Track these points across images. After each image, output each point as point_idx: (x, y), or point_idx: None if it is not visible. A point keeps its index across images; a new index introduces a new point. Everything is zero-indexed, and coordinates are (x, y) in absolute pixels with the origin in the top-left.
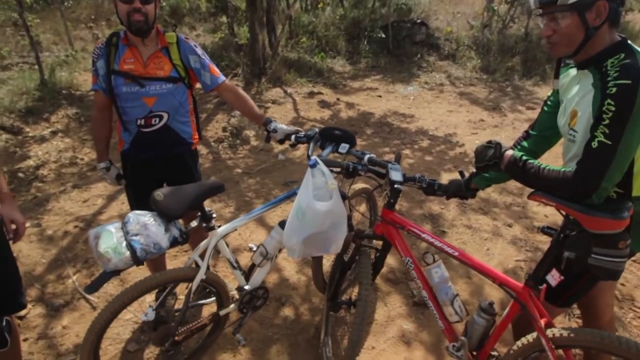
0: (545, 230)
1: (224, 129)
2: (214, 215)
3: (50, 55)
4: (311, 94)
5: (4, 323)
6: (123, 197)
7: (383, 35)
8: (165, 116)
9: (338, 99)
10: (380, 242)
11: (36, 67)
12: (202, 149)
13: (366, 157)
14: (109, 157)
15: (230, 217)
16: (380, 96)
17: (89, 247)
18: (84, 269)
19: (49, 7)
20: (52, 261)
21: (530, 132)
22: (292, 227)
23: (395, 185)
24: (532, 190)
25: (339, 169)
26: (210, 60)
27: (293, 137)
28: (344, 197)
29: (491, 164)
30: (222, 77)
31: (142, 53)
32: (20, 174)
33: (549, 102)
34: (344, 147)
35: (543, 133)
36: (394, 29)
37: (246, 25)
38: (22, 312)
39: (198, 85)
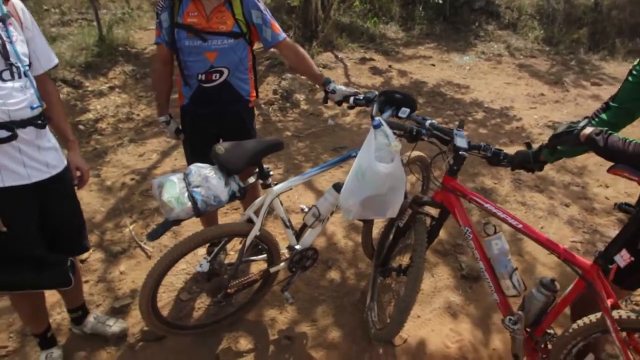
0: (623, 207)
1: (275, 92)
2: (272, 173)
3: (107, 12)
4: (363, 60)
5: (69, 263)
6: (176, 154)
7: (440, 1)
8: (226, 72)
9: (390, 66)
10: (437, 210)
11: (94, 23)
12: None
13: (427, 122)
14: (169, 112)
15: (279, 179)
16: (433, 65)
17: (152, 195)
18: (140, 220)
19: None
20: (110, 210)
21: (611, 104)
22: (350, 188)
23: (460, 152)
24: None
25: (401, 132)
26: (272, 16)
27: (352, 99)
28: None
29: (570, 137)
30: (283, 35)
31: (206, 6)
32: (81, 126)
33: (634, 72)
34: (404, 112)
35: (625, 105)
36: None
37: None
38: (84, 256)
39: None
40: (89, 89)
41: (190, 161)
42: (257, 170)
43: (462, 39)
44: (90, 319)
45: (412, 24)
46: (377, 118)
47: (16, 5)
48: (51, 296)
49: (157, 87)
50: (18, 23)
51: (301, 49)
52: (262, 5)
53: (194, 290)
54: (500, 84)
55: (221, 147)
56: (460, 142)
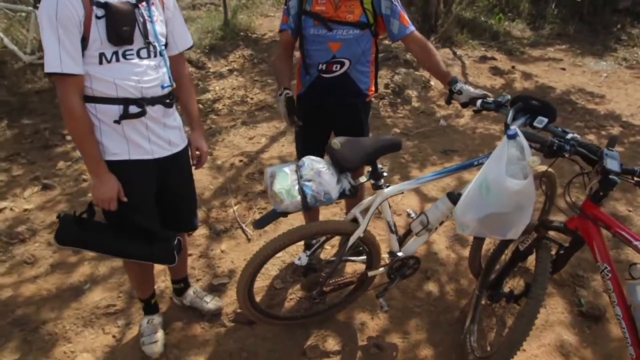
0: None
1: (386, 86)
2: (385, 174)
3: None
4: (483, 59)
5: (176, 242)
6: (283, 140)
7: None
8: (347, 63)
9: (513, 67)
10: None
11: (221, 8)
12: None
13: (569, 135)
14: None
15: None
16: (564, 69)
17: (257, 179)
18: (244, 202)
19: None
20: (218, 189)
21: None
22: (470, 201)
23: (611, 176)
24: None
25: (539, 145)
26: (402, 7)
27: (479, 102)
28: None
29: None
30: (412, 27)
31: None
32: (200, 105)
33: None
34: (540, 121)
35: None
36: None
37: None
38: None
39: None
40: (211, 70)
41: (300, 151)
42: (370, 169)
43: (599, 42)
44: (190, 292)
45: (541, 23)
46: (513, 127)
47: None
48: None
49: (277, 67)
50: (160, 3)
51: (429, 44)
52: None
53: (287, 280)
54: None
55: (337, 142)
56: (612, 164)
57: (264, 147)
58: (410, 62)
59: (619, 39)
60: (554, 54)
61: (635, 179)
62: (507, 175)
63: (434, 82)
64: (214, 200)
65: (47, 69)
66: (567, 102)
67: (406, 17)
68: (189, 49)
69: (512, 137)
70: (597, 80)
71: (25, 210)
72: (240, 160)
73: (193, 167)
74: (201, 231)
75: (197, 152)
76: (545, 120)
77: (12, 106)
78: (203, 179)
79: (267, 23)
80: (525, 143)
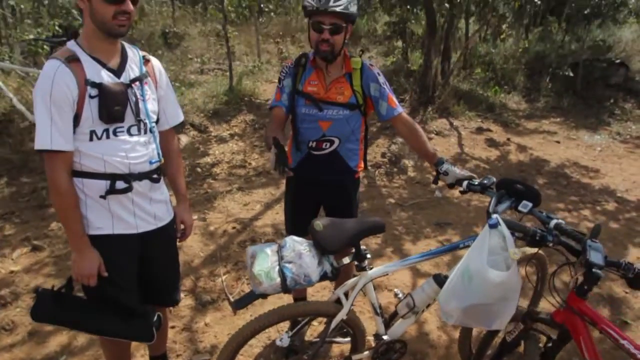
0: None
1: (383, 155)
2: (368, 256)
3: (240, 64)
4: (479, 130)
5: (155, 318)
6: (278, 207)
7: (571, 74)
8: (336, 142)
9: (508, 139)
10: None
11: (227, 74)
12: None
13: (553, 222)
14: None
15: (375, 248)
16: (558, 142)
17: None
18: (233, 271)
19: (247, 22)
20: (208, 256)
21: None
22: (453, 290)
23: (594, 270)
24: None
25: (521, 234)
26: (391, 89)
27: (465, 183)
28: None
29: None
30: (399, 109)
31: (327, 77)
32: (198, 169)
33: None
34: (525, 205)
35: None
36: (585, 67)
37: (420, 51)
38: None
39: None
40: (213, 134)
41: (289, 224)
42: (353, 250)
43: (593, 116)
44: None
45: (536, 96)
46: (494, 216)
47: (155, 66)
48: None
49: (268, 132)
50: (153, 82)
51: (416, 125)
52: (381, 79)
53: (270, 358)
54: (638, 170)
55: (320, 223)
56: (595, 257)
57: (258, 214)
58: None
59: (612, 113)
60: (549, 126)
61: (621, 272)
62: (489, 265)
63: None
64: (202, 269)
65: (37, 146)
66: (562, 175)
67: (394, 99)
68: (180, 124)
69: (494, 226)
70: (592, 154)
71: (12, 272)
72: (234, 227)
73: (178, 240)
74: (187, 301)
75: (182, 225)
76: (530, 204)
77: (14, 164)
78: (194, 245)
79: (271, 89)
80: (507, 232)
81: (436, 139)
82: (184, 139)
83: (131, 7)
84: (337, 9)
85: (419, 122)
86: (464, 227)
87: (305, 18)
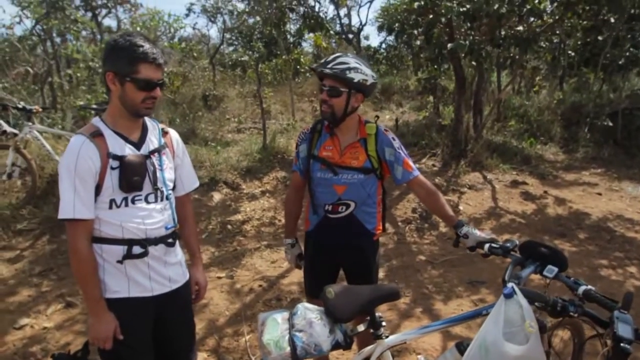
0: None
1: (414, 210)
2: (384, 324)
3: (275, 122)
4: (514, 183)
5: None
6: None
7: (610, 124)
8: (352, 205)
9: (545, 192)
10: None
11: (262, 132)
12: (388, 228)
13: (581, 289)
14: (296, 235)
15: (404, 308)
16: (600, 194)
17: (273, 307)
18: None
19: (283, 82)
20: (233, 315)
21: None
22: None
23: (622, 345)
24: None
25: (542, 304)
26: (407, 153)
27: (487, 246)
28: (541, 327)
29: None
30: (416, 172)
31: (342, 142)
32: (229, 226)
33: None
34: (551, 270)
35: None
36: (625, 117)
37: (452, 106)
38: None
39: None
40: (245, 191)
41: (308, 286)
42: (368, 318)
43: (636, 166)
44: None
45: (575, 146)
46: (509, 285)
47: (172, 137)
48: None
49: (287, 210)
50: (171, 152)
51: (433, 187)
52: (397, 144)
53: None
54: None
55: (332, 290)
56: (623, 330)
57: (285, 271)
58: (438, 186)
59: None
60: (589, 178)
61: None
62: (505, 339)
63: (462, 206)
64: (227, 328)
65: (61, 216)
66: (605, 229)
67: (410, 163)
68: (196, 189)
69: (509, 296)
70: (637, 207)
71: (44, 328)
72: (260, 285)
73: (193, 299)
74: None
75: (196, 287)
76: (556, 269)
77: (56, 222)
78: (220, 303)
79: None
80: (525, 303)
81: (469, 193)
82: (216, 197)
83: (159, 93)
84: (335, 71)
85: (451, 176)
86: (498, 286)
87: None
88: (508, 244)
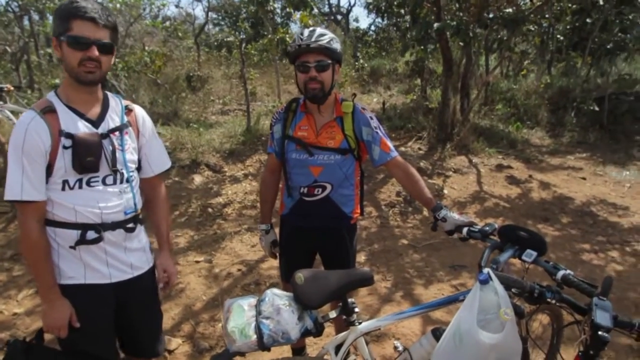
0: None
1: (398, 194)
2: (357, 310)
3: (261, 104)
4: (499, 167)
5: None
6: None
7: (596, 108)
8: (329, 187)
9: (530, 176)
10: None
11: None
12: (371, 211)
13: (560, 273)
14: (271, 221)
15: (385, 293)
16: (584, 178)
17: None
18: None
19: (269, 64)
20: (210, 300)
21: None
22: (445, 350)
23: (600, 333)
24: None
25: (518, 290)
26: (385, 133)
27: (465, 229)
28: (519, 313)
29: None
30: (394, 153)
31: (317, 121)
32: (210, 209)
33: None
34: (529, 255)
35: None
36: (611, 101)
37: (439, 89)
38: (173, 346)
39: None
40: (227, 174)
41: (282, 271)
42: (340, 304)
43: (622, 151)
44: None
45: (561, 131)
46: (485, 270)
47: (137, 114)
48: None
49: (262, 195)
50: (135, 131)
51: (412, 169)
52: (374, 123)
53: None
54: None
55: (301, 276)
56: (602, 317)
57: (265, 256)
58: (424, 169)
59: None
60: (574, 162)
61: (635, 333)
62: (480, 326)
63: (447, 190)
64: (203, 313)
65: (7, 197)
66: (588, 214)
67: (388, 143)
68: (167, 170)
69: (485, 282)
70: (620, 191)
71: (15, 314)
72: (239, 270)
73: (160, 289)
74: (184, 348)
75: (165, 274)
76: (535, 253)
77: None
78: (197, 288)
79: None
80: (500, 288)
81: (454, 176)
82: (197, 179)
83: (96, 53)
84: (322, 43)
85: (437, 159)
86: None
87: (292, 64)
88: (487, 228)
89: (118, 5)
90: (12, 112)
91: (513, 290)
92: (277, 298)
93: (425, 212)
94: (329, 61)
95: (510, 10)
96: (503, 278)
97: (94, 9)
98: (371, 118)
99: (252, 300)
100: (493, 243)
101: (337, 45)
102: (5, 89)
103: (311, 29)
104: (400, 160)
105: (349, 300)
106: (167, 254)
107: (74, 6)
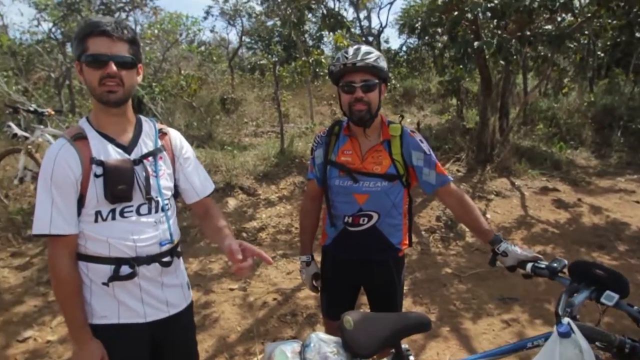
0: None
1: (438, 218)
2: (412, 358)
3: (294, 126)
4: (544, 190)
5: None
6: None
7: None
8: (375, 217)
9: (579, 200)
10: None
11: (280, 136)
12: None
13: None
14: (312, 252)
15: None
16: (638, 202)
17: (288, 322)
18: None
19: (302, 86)
20: (245, 331)
21: None
22: None
23: None
24: None
25: (604, 344)
26: (436, 158)
27: (529, 266)
28: None
29: None
30: (449, 178)
31: (362, 145)
32: (244, 234)
33: None
34: (610, 297)
35: None
36: None
37: (476, 109)
38: None
39: None
40: (261, 197)
41: (324, 309)
42: (392, 350)
43: None
44: None
45: (607, 151)
46: (565, 320)
47: (172, 137)
48: None
49: (302, 224)
50: (170, 156)
51: (467, 197)
52: (425, 146)
53: None
54: None
55: (350, 319)
56: None
57: (301, 284)
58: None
59: None
60: (625, 184)
61: None
62: None
63: (490, 214)
64: (238, 346)
65: (35, 231)
66: None
67: (442, 167)
68: (210, 195)
69: (565, 335)
70: None
71: (48, 342)
72: (274, 299)
73: (238, 268)
74: None
75: (239, 256)
76: (616, 296)
77: None
78: (231, 318)
79: None
80: (584, 344)
81: (496, 200)
82: (231, 203)
83: (114, 68)
84: (369, 61)
85: (476, 182)
86: (533, 303)
87: (335, 85)
88: (555, 264)
89: (156, 32)
90: (53, 136)
91: (597, 343)
92: (324, 344)
93: (469, 238)
94: (376, 80)
95: (550, 26)
96: (587, 330)
97: (107, 23)
98: (421, 141)
99: (296, 346)
100: (569, 286)
101: (383, 64)
102: (47, 113)
103: (356, 47)
104: (454, 187)
105: (403, 346)
106: (230, 238)
107: (87, 24)
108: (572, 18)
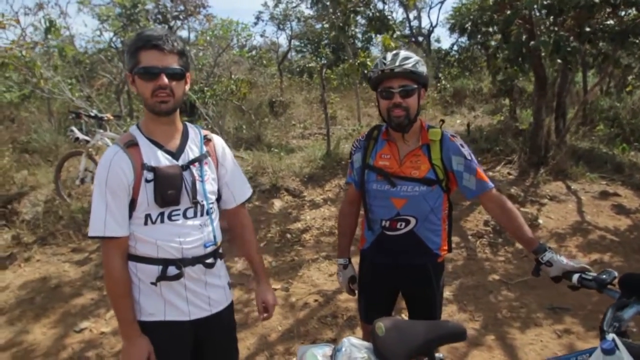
0: None
1: (486, 223)
2: None
3: (341, 128)
4: (604, 195)
5: None
6: None
7: None
8: (413, 221)
9: None
10: None
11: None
12: (458, 242)
13: None
14: (350, 255)
15: (473, 335)
16: None
17: (333, 328)
18: None
19: (349, 88)
20: (285, 331)
21: None
22: None
23: None
24: None
25: None
26: (478, 163)
27: (576, 277)
28: None
29: None
30: (491, 184)
31: (400, 149)
32: (289, 235)
33: None
34: None
35: None
36: None
37: (530, 109)
38: None
39: None
40: (307, 198)
41: (362, 313)
42: (426, 359)
43: None
44: None
45: None
46: (609, 336)
47: (216, 144)
48: None
49: (340, 227)
50: (214, 162)
51: (509, 204)
52: (466, 151)
53: None
54: None
55: (382, 325)
56: None
57: None
58: (515, 196)
59: None
60: None
61: None
62: None
63: (542, 219)
64: (278, 345)
65: (91, 233)
66: None
67: (483, 173)
68: (248, 200)
69: (609, 352)
70: None
71: (102, 333)
72: (315, 300)
73: (262, 318)
74: None
75: (263, 304)
76: None
77: None
78: (273, 317)
79: None
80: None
81: (550, 204)
82: (277, 204)
83: (165, 81)
84: (407, 67)
85: (529, 185)
86: (586, 315)
87: (374, 91)
88: (604, 276)
89: (208, 38)
90: (112, 139)
91: None
92: (355, 350)
93: (518, 245)
94: (415, 86)
95: (611, 22)
96: (632, 347)
97: (158, 36)
98: (462, 146)
99: (327, 350)
100: (618, 300)
101: (422, 69)
102: (106, 118)
103: (394, 52)
104: (496, 193)
105: (437, 355)
106: (265, 284)
107: (139, 38)
108: (636, 12)
